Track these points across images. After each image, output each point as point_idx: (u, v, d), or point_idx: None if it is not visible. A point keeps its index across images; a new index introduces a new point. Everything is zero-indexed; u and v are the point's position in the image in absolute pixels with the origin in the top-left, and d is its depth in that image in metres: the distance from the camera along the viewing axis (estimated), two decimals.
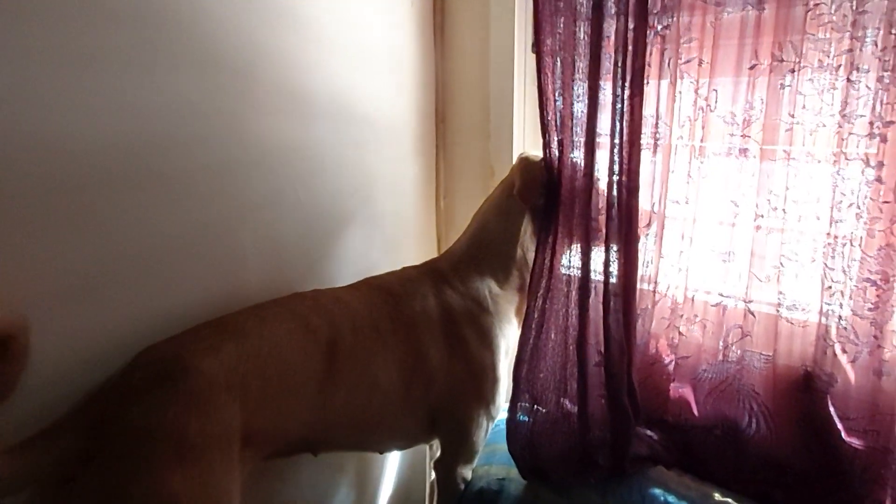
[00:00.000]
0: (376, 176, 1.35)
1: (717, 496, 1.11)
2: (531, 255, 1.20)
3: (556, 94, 1.04)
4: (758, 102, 1.02)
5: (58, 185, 0.74)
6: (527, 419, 1.20)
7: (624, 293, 1.11)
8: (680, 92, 1.08)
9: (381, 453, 1.36)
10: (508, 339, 1.22)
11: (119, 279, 0.83)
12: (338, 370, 1.00)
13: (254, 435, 0.88)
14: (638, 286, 1.11)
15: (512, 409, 1.21)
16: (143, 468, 0.77)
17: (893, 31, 0.88)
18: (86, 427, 0.79)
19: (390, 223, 1.43)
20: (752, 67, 1.02)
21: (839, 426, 0.98)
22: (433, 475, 1.31)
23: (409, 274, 1.22)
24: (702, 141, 1.08)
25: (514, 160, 1.25)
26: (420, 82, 1.47)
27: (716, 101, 1.06)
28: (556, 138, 1.09)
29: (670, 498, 1.12)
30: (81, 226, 0.77)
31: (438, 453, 1.25)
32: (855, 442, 0.98)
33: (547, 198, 1.15)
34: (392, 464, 1.50)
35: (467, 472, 1.24)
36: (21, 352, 0.72)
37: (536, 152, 1.19)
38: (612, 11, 1.00)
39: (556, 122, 1.06)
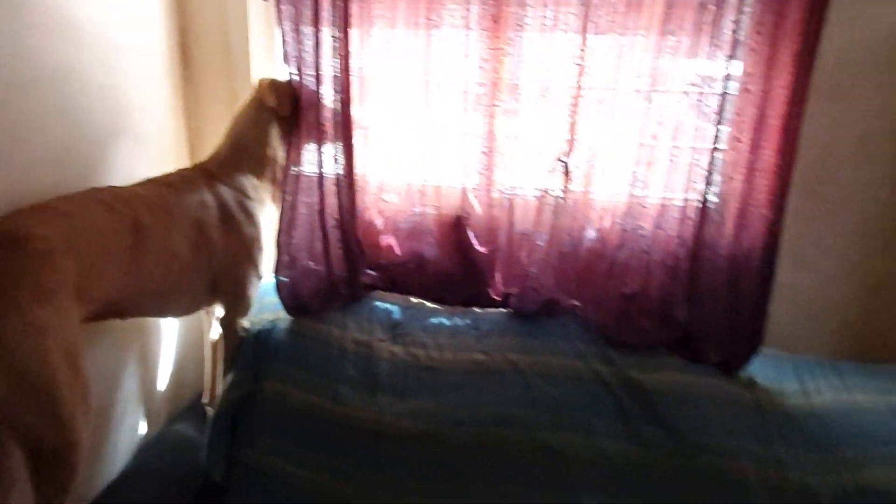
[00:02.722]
0: (135, 99, 1.61)
1: (413, 300, 1.77)
2: (280, 154, 1.64)
3: (292, 34, 1.49)
4: (421, 46, 1.61)
5: None
6: (288, 272, 1.68)
7: (347, 177, 1.65)
8: (371, 36, 1.61)
9: (176, 317, 1.70)
10: (267, 217, 1.66)
11: None
12: (143, 242, 1.33)
13: (82, 292, 1.18)
14: (355, 171, 1.66)
15: (277, 267, 1.67)
16: (13, 308, 1.04)
17: None
18: None
19: (151, 139, 1.70)
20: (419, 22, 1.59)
21: (474, 241, 1.69)
22: (213, 337, 1.71)
23: (185, 173, 1.56)
24: (387, 72, 1.64)
25: (255, 84, 1.65)
26: (165, 18, 1.73)
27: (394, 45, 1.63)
28: (294, 67, 1.54)
29: (387, 305, 1.75)
30: None
31: (222, 314, 1.64)
32: (482, 250, 1.69)
33: (290, 109, 1.60)
34: (169, 342, 1.82)
35: (246, 323, 1.67)
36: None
37: (274, 77, 1.62)
38: None
39: (293, 54, 1.52)
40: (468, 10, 1.54)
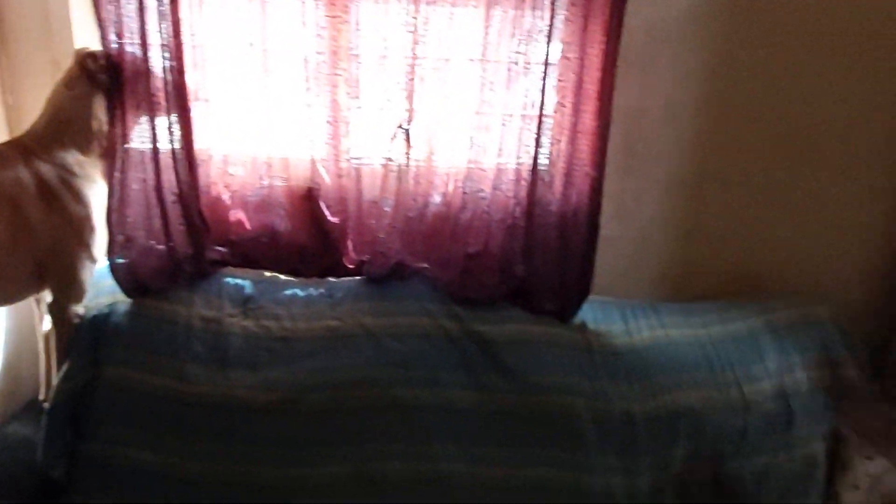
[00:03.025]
0: None
1: (266, 274, 1.75)
2: (107, 127, 1.55)
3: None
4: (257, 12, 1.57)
5: None
6: (124, 252, 1.59)
7: (185, 150, 1.58)
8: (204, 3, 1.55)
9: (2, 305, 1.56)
10: (97, 196, 1.56)
11: None
12: None
13: None
14: (194, 144, 1.60)
15: (110, 248, 1.58)
16: None
17: None
18: None
19: None
20: None
21: (326, 212, 1.69)
22: (46, 328, 1.59)
23: None
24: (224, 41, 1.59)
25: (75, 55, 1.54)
26: None
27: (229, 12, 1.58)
28: (113, 34, 1.45)
29: (238, 281, 1.71)
30: None
31: (50, 299, 1.53)
32: (334, 220, 1.71)
33: (112, 80, 1.51)
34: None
35: (80, 309, 1.57)
36: None
37: (96, 48, 1.52)
38: None
39: (111, 19, 1.43)
40: None
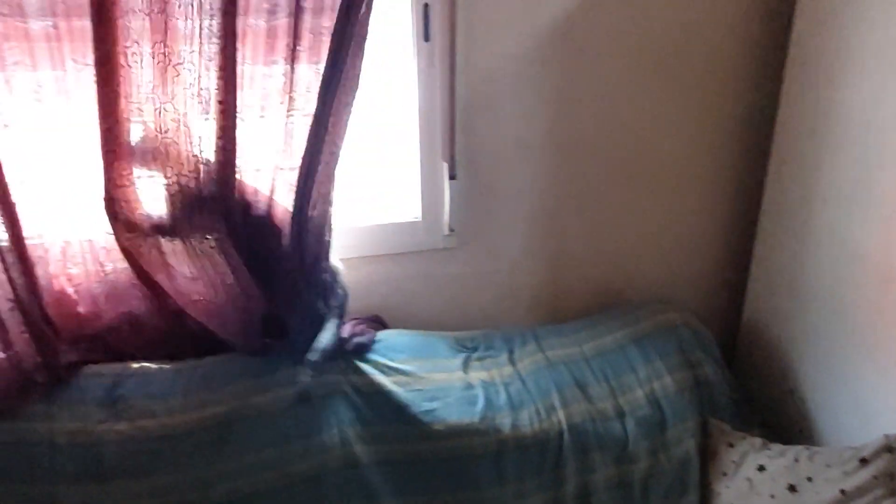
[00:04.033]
0: None
1: (134, 365, 1.61)
2: None
3: None
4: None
5: None
6: None
7: (16, 248, 1.42)
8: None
9: None
10: None
11: None
12: None
13: None
14: (26, 240, 1.44)
15: None
16: None
17: None
18: None
19: None
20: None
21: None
22: None
23: None
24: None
25: None
26: None
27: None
28: None
29: (102, 379, 1.55)
30: None
31: None
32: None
33: None
34: None
35: None
36: None
37: None
38: None
39: None
40: None
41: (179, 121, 1.42)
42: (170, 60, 1.36)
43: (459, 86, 1.67)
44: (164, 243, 1.51)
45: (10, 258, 1.40)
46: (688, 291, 2.06)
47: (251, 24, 1.41)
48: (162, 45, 1.35)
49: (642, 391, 1.68)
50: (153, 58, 1.36)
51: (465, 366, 1.69)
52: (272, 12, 1.40)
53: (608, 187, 1.89)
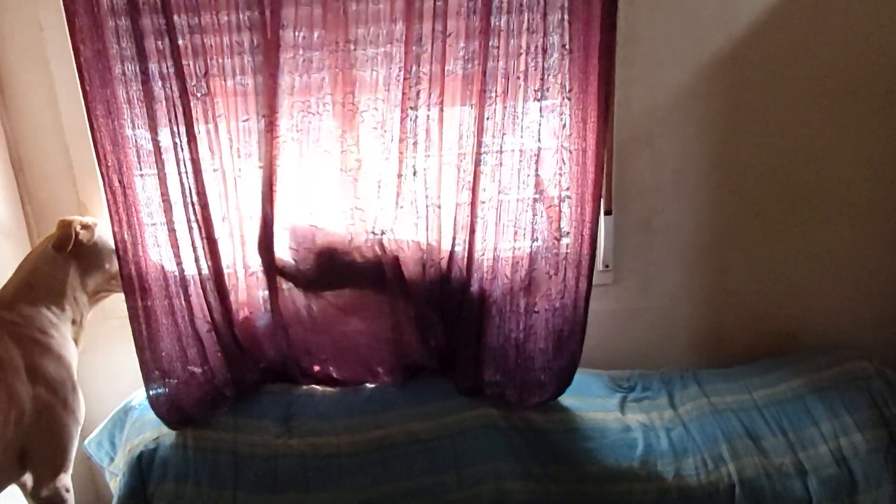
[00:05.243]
0: None
1: (304, 387, 1.74)
2: (81, 295, 1.55)
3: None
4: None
5: None
6: (163, 389, 1.60)
7: (215, 277, 1.61)
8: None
9: None
10: (74, 357, 1.52)
11: None
12: None
13: None
14: (224, 270, 1.63)
15: (148, 385, 1.59)
16: None
17: None
18: None
19: None
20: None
21: None
22: None
23: None
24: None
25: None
26: None
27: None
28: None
29: (278, 398, 1.70)
30: None
31: (30, 486, 1.43)
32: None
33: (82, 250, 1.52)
34: None
35: (68, 481, 1.47)
36: None
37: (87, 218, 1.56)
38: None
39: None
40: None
41: None
42: None
43: (616, 120, 1.66)
44: None
45: (209, 286, 1.60)
46: (870, 335, 1.83)
47: None
48: None
49: (827, 447, 1.51)
50: None
51: (622, 406, 1.63)
52: None
53: (775, 221, 1.76)
